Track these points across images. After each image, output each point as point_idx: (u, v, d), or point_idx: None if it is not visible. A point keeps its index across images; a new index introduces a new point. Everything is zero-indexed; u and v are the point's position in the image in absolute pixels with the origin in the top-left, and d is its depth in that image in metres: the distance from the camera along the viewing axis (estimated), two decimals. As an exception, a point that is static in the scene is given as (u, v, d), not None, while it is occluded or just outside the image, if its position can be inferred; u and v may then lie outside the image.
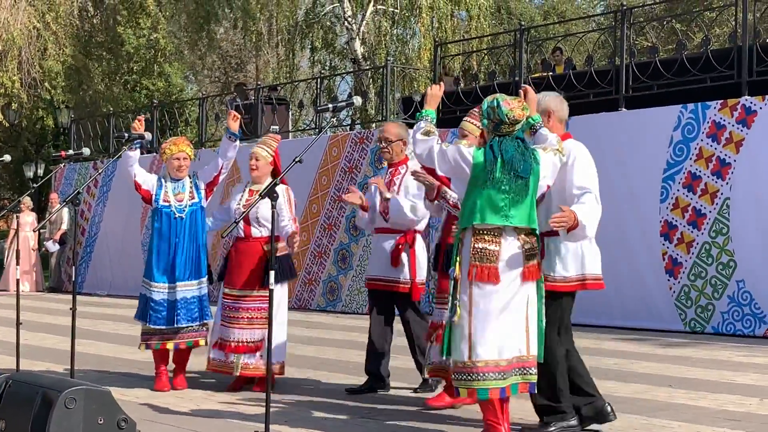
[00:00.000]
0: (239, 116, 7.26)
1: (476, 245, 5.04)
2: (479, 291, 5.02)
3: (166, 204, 7.26)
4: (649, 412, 6.17)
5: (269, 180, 7.05)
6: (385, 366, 7.03)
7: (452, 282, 5.09)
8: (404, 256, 6.87)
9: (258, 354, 7.02)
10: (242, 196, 7.22)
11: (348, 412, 6.26)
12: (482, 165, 5.09)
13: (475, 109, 6.01)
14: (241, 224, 7.07)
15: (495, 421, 5.09)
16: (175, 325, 7.17)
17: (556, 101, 5.65)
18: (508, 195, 5.05)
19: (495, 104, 5.15)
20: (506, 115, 5.11)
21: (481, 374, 4.99)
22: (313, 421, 5.95)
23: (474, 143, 5.83)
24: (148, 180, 7.33)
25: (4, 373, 5.02)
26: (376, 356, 7.00)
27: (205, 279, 7.31)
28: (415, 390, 6.98)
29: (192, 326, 7.24)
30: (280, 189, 6.92)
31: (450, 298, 5.09)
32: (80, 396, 4.36)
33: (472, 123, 6.15)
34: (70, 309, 6.44)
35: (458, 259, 5.09)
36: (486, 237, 5.04)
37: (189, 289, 7.24)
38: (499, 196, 5.06)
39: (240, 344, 7.07)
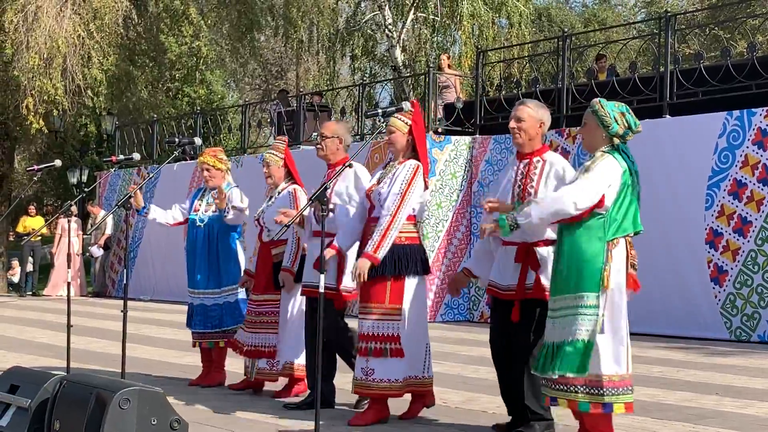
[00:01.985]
0: (223, 197, 7.29)
1: (632, 252, 4.97)
2: (625, 299, 4.95)
3: (195, 212, 7.63)
4: (696, 420, 6.13)
5: (284, 182, 7.13)
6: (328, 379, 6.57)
7: (598, 296, 4.87)
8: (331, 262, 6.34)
9: (275, 360, 7.02)
10: (265, 202, 7.26)
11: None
12: (627, 173, 5.00)
13: (407, 103, 5.90)
14: (258, 229, 7.19)
15: None
16: (193, 329, 7.60)
17: (548, 114, 5.63)
18: (638, 202, 5.07)
19: (624, 110, 5.07)
20: (635, 125, 5.04)
21: (632, 386, 4.96)
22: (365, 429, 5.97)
23: (401, 141, 5.89)
24: (177, 215, 7.76)
25: (58, 374, 5.10)
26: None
27: (229, 288, 7.48)
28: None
29: (212, 332, 7.54)
30: (290, 189, 7.04)
31: (597, 312, 4.86)
32: (134, 396, 4.42)
33: (401, 120, 5.97)
34: (121, 311, 6.51)
35: (607, 270, 4.87)
36: (630, 244, 5.00)
37: (208, 297, 7.53)
38: (637, 203, 5.04)
39: (253, 348, 7.11)
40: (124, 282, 6.49)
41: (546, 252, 5.37)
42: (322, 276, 5.10)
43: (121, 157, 7.84)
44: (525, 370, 5.39)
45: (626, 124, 5.01)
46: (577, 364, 4.82)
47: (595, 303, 4.85)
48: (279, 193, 7.13)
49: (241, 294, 7.56)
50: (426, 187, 6.03)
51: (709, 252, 11.05)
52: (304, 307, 6.78)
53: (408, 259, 5.88)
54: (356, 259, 5.94)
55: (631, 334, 11.10)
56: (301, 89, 24.35)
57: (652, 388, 7.44)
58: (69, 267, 7.32)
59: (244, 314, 7.40)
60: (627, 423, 5.97)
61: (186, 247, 7.72)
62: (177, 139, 7.18)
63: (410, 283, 5.91)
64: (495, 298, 5.62)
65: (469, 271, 5.82)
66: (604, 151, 5.01)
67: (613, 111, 5.02)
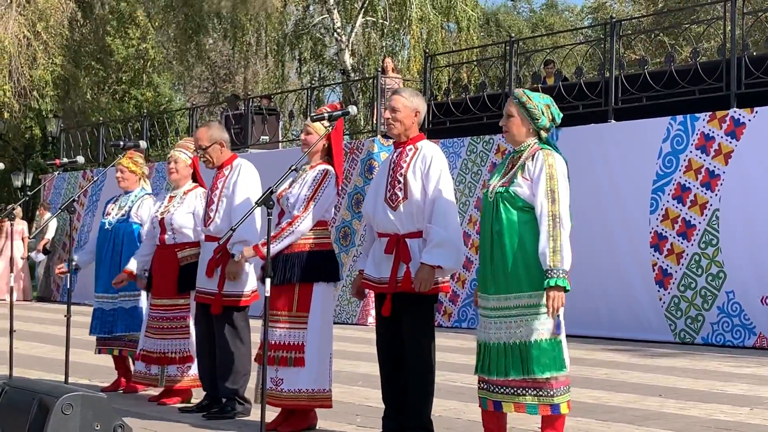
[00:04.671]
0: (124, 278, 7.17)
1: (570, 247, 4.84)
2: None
3: (106, 216, 7.56)
4: (640, 422, 6.20)
5: (189, 183, 6.98)
6: (231, 383, 6.36)
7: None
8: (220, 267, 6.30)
9: (185, 365, 6.87)
10: (162, 203, 7.04)
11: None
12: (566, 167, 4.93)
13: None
14: (159, 231, 6.96)
15: None
16: (91, 334, 7.54)
17: (424, 103, 5.56)
18: None
19: (549, 102, 4.97)
20: (559, 116, 4.97)
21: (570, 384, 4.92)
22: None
23: (315, 143, 5.77)
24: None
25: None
26: (223, 374, 6.40)
27: (126, 294, 7.37)
28: (209, 413, 6.41)
29: (108, 337, 7.46)
30: (197, 192, 6.90)
31: (556, 314, 4.73)
32: (77, 402, 4.36)
33: (321, 123, 5.87)
34: (65, 316, 6.44)
35: (565, 268, 4.72)
36: None
37: (107, 301, 7.46)
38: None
39: (162, 356, 6.94)
40: (68, 287, 6.41)
41: (416, 245, 5.31)
42: (268, 281, 5.04)
43: (65, 160, 7.74)
44: (420, 380, 5.32)
45: (551, 117, 4.95)
46: (554, 362, 4.74)
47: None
48: (184, 193, 6.95)
49: (141, 302, 7.38)
50: (338, 194, 5.94)
51: (653, 255, 11.19)
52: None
53: (317, 265, 5.75)
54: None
55: (577, 336, 11.22)
56: (250, 92, 24.23)
57: (596, 390, 7.51)
58: (12, 271, 7.21)
59: (139, 322, 7.31)
60: (571, 425, 6.01)
61: (95, 250, 7.63)
62: (122, 142, 7.08)
63: (318, 290, 5.78)
64: (376, 294, 5.53)
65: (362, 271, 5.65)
66: (541, 147, 4.90)
67: (540, 103, 4.95)
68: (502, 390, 4.86)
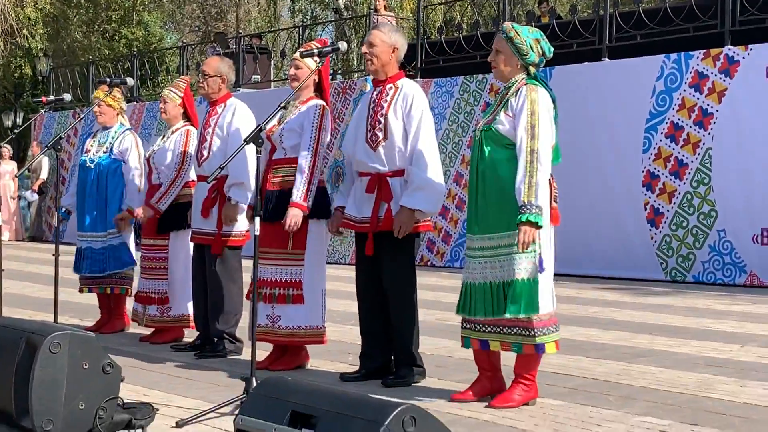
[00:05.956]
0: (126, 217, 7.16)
1: (553, 184, 4.78)
2: (552, 235, 4.81)
3: (86, 154, 7.49)
4: (630, 359, 6.22)
5: (180, 123, 6.92)
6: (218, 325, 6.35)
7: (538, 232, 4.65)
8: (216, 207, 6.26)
9: (164, 306, 6.87)
10: (158, 140, 7.03)
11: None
12: (553, 103, 4.82)
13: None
14: (147, 170, 7.01)
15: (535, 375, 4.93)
16: (81, 274, 7.48)
17: (403, 39, 5.47)
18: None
19: (539, 36, 4.85)
20: (549, 51, 4.85)
21: (558, 324, 4.88)
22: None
23: (306, 79, 5.64)
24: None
25: (-12, 319, 5.00)
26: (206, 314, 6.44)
27: (114, 231, 7.29)
28: (201, 352, 6.40)
29: (100, 276, 7.40)
30: (183, 129, 6.84)
31: (536, 249, 4.68)
32: (65, 341, 4.33)
33: (301, 52, 5.76)
34: (53, 256, 6.41)
35: (540, 205, 4.62)
36: (552, 176, 4.80)
37: (96, 240, 7.38)
38: (558, 134, 4.84)
39: (142, 294, 6.98)
40: (56, 225, 6.37)
41: (398, 183, 5.27)
42: (257, 219, 4.98)
43: (52, 97, 7.65)
44: (403, 315, 5.34)
45: (541, 51, 4.84)
46: (529, 303, 4.69)
47: (538, 239, 4.71)
48: (172, 132, 6.93)
49: (128, 238, 7.38)
50: (331, 129, 5.88)
51: (646, 194, 11.17)
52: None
53: (312, 202, 5.68)
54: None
55: (569, 275, 11.25)
56: (241, 31, 23.97)
57: (588, 328, 7.53)
58: (0, 210, 7.16)
59: (127, 259, 7.32)
60: (562, 362, 6.03)
61: (77, 189, 7.53)
62: (108, 80, 7.01)
63: (313, 227, 5.74)
64: (356, 233, 5.51)
65: (342, 208, 5.58)
66: (527, 82, 4.81)
67: (528, 38, 4.82)
68: (488, 329, 4.86)
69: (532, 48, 4.82)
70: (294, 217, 5.60)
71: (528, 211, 4.60)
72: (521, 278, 4.70)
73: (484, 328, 4.87)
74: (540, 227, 4.63)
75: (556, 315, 4.86)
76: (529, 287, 4.70)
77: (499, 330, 4.83)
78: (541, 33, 4.93)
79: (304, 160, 5.67)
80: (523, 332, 4.76)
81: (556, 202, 4.80)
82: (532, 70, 4.86)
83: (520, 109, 4.74)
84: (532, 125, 4.68)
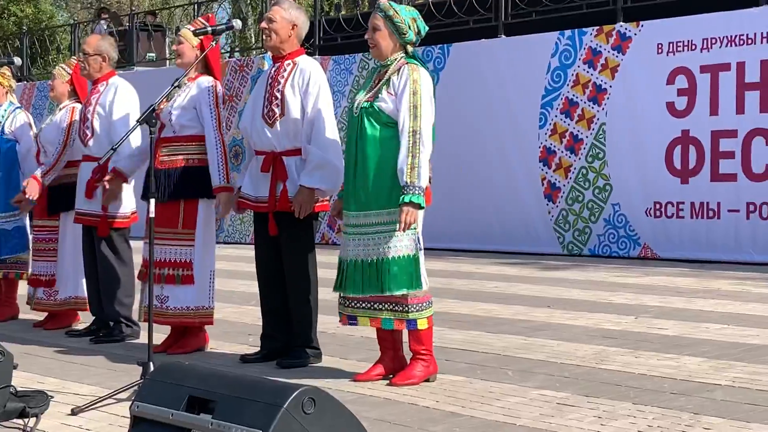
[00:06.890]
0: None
1: (430, 165, 4.78)
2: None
3: None
4: (529, 333, 6.31)
5: (68, 101, 6.76)
6: (116, 308, 6.27)
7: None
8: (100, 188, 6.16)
9: (51, 289, 6.74)
10: (51, 117, 6.87)
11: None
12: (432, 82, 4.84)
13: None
14: (35, 149, 6.88)
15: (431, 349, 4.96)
16: None
17: (304, 16, 5.44)
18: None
19: (415, 15, 4.87)
20: (424, 29, 4.87)
21: (432, 300, 4.90)
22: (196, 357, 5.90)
23: (189, 54, 5.65)
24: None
25: None
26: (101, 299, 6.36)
27: (7, 214, 7.07)
28: (96, 337, 6.30)
29: None
30: (69, 107, 6.69)
31: (415, 227, 4.70)
32: (-47, 330, 4.21)
33: (191, 30, 5.72)
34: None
35: (422, 186, 4.65)
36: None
37: None
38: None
39: (34, 277, 6.88)
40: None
41: (293, 162, 5.25)
42: (152, 201, 4.89)
43: (-62, 75, 7.39)
44: (301, 296, 5.32)
45: (417, 30, 4.87)
46: (411, 279, 4.73)
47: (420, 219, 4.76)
48: (59, 110, 6.78)
49: (22, 222, 7.18)
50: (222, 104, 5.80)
51: (542, 170, 11.33)
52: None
53: (202, 181, 5.64)
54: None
55: (470, 250, 11.32)
56: (135, 8, 23.51)
57: (487, 303, 7.62)
58: None
59: (23, 243, 7.15)
60: (462, 338, 6.09)
61: None
62: (-2, 59, 6.82)
63: (203, 207, 5.71)
64: (255, 212, 5.49)
65: (240, 188, 5.56)
66: (407, 61, 4.82)
67: (407, 17, 4.84)
68: (358, 305, 4.88)
69: (410, 27, 4.84)
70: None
71: (411, 192, 4.63)
72: (402, 255, 4.74)
73: (354, 304, 4.89)
74: (422, 208, 4.68)
75: (430, 291, 4.90)
76: (410, 264, 4.74)
77: (368, 306, 4.85)
78: (417, 12, 4.96)
79: (212, 142, 5.63)
80: (396, 308, 4.79)
81: (430, 181, 4.83)
82: (410, 48, 4.88)
83: (402, 88, 4.75)
84: (414, 105, 4.71)
